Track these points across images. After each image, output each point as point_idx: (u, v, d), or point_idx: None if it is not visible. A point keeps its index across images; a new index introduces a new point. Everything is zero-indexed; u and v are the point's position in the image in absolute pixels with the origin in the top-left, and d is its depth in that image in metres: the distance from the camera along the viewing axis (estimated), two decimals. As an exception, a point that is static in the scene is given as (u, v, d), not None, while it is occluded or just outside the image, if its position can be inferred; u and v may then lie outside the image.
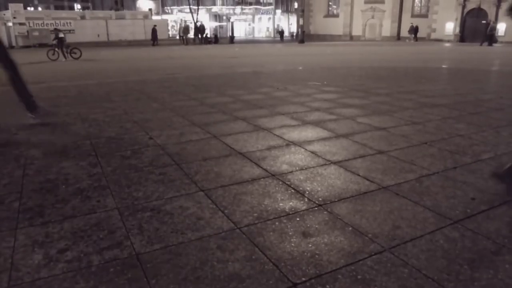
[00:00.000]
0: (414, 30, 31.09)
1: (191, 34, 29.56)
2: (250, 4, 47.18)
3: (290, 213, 1.88)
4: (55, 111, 4.28)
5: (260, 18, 49.13)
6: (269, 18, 48.27)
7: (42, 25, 24.98)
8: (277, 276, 1.41)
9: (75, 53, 14.88)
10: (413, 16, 34.09)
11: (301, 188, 2.17)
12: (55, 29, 17.17)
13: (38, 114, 3.69)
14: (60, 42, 15.04)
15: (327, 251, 1.56)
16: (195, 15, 32.23)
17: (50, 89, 6.31)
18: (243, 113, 4.09)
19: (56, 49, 14.58)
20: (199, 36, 29.74)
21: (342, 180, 2.28)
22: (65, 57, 14.79)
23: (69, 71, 9.76)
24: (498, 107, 4.45)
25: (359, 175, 2.35)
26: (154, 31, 25.24)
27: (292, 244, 1.61)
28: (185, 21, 30.67)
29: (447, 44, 23.79)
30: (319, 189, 2.15)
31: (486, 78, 7.87)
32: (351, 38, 37.04)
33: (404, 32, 32.35)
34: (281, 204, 1.98)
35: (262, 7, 47.67)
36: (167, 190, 2.16)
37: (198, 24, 30.76)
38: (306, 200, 2.03)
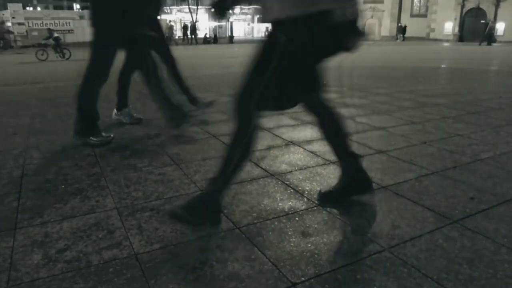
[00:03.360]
0: (402, 30, 31.32)
1: (175, 35, 29.88)
2: (250, 4, 47.19)
3: (290, 212, 1.89)
4: (55, 111, 4.28)
5: (259, 18, 49.10)
6: (268, 18, 48.27)
7: (41, 25, 24.94)
8: (277, 275, 1.41)
9: (65, 53, 15.04)
10: (412, 15, 34.17)
11: (300, 188, 2.17)
12: (49, 29, 17.21)
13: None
14: (57, 42, 15.14)
15: (327, 251, 1.56)
16: (194, 15, 32.25)
17: (49, 89, 6.30)
18: (242, 113, 4.08)
19: (45, 49, 14.66)
20: (187, 36, 29.87)
21: (342, 180, 2.27)
22: (61, 56, 14.89)
23: (65, 71, 9.73)
24: (497, 106, 4.45)
25: (358, 174, 2.34)
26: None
27: (292, 244, 1.61)
28: (170, 21, 30.75)
29: (446, 44, 23.79)
30: (319, 188, 2.15)
31: (485, 78, 7.87)
32: (351, 37, 37.05)
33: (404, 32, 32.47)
34: (280, 204, 1.98)
35: (261, 7, 47.64)
36: (167, 190, 2.16)
37: (192, 24, 30.78)
38: (305, 199, 2.03)
